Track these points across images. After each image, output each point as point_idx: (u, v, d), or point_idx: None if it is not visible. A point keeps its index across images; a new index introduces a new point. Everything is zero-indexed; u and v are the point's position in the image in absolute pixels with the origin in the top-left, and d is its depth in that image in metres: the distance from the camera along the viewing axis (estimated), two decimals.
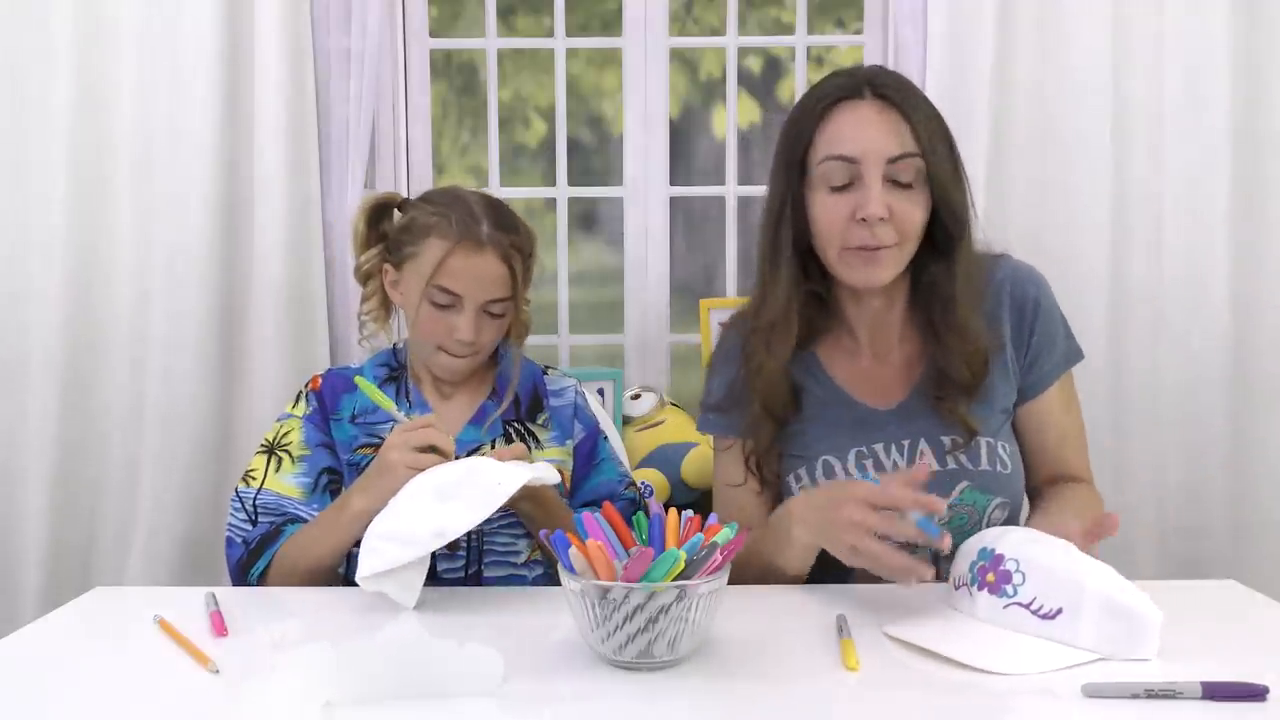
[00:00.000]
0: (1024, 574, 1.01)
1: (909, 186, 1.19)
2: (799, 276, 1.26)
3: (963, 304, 1.23)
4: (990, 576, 1.03)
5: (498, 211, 1.39)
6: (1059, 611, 0.98)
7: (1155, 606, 0.97)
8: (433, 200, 1.41)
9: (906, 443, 1.26)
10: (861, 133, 1.19)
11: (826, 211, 1.21)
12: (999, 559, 1.03)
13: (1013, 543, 1.04)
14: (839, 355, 1.33)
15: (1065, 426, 1.32)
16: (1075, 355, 1.33)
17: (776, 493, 1.33)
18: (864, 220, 1.18)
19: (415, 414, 1.39)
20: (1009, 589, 1.01)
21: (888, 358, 1.31)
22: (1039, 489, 1.32)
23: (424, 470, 1.19)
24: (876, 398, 1.30)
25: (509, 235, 1.37)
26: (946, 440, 1.25)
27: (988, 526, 1.26)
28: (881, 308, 1.30)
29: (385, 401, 1.29)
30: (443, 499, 1.15)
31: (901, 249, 1.21)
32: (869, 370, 1.32)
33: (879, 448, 1.27)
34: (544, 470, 1.21)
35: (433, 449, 1.22)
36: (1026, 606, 1.00)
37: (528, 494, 1.26)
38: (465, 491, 1.15)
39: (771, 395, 1.27)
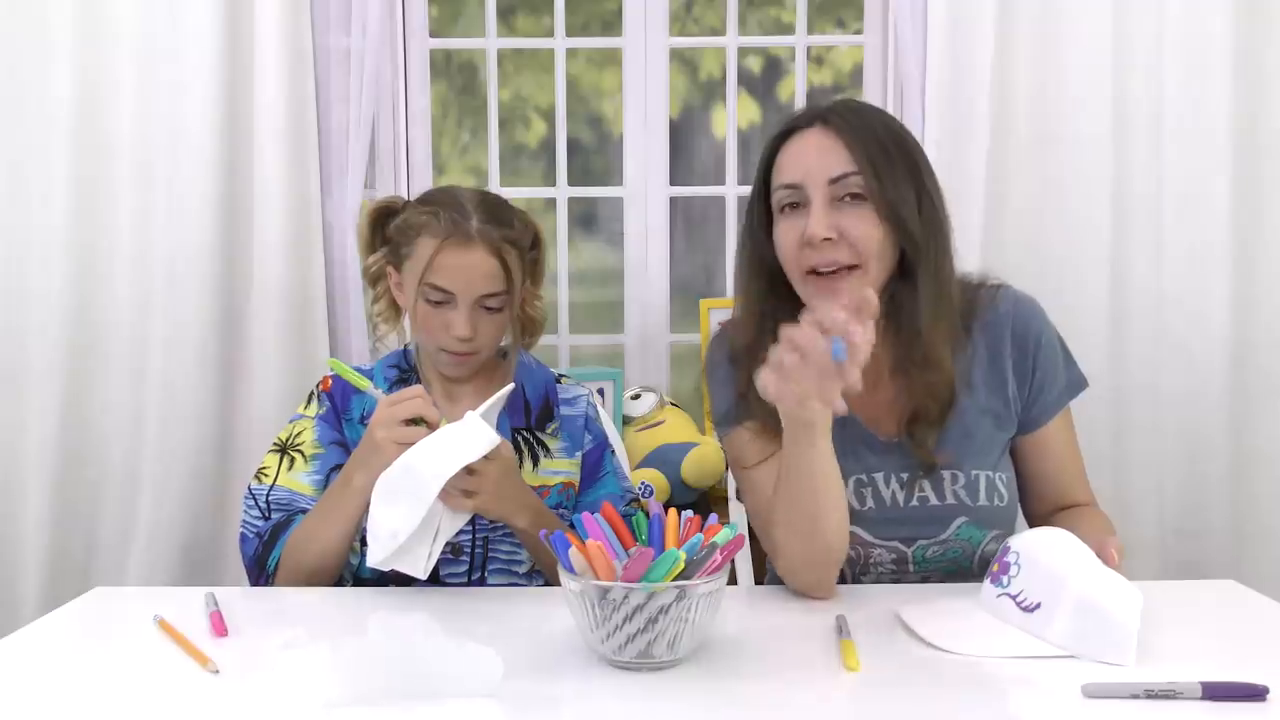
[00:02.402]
0: (1019, 566, 1.04)
1: (859, 205, 1.19)
2: (769, 304, 1.27)
3: (928, 334, 1.21)
4: (995, 566, 1.07)
5: (490, 207, 1.38)
6: (1038, 606, 1.01)
7: (1136, 614, 0.97)
8: (427, 200, 1.40)
9: (905, 475, 1.26)
10: (803, 159, 1.21)
11: (782, 238, 1.23)
12: (1006, 550, 1.06)
13: (1029, 536, 1.06)
14: None
15: (1066, 455, 1.31)
16: (1078, 385, 1.32)
17: None
18: (810, 242, 1.19)
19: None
20: (1004, 580, 1.04)
21: (878, 386, 1.28)
22: (1045, 519, 1.31)
23: (412, 445, 1.19)
24: (878, 425, 1.28)
25: (501, 229, 1.36)
26: (946, 475, 1.25)
27: (980, 559, 1.27)
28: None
29: (361, 381, 1.28)
30: (392, 501, 1.17)
31: (865, 271, 1.19)
32: (868, 396, 1.26)
33: (879, 477, 1.26)
34: (479, 440, 1.19)
35: (421, 421, 1.21)
36: (1014, 598, 1.03)
37: (525, 505, 1.28)
38: (406, 492, 1.17)
39: (769, 416, 1.23)
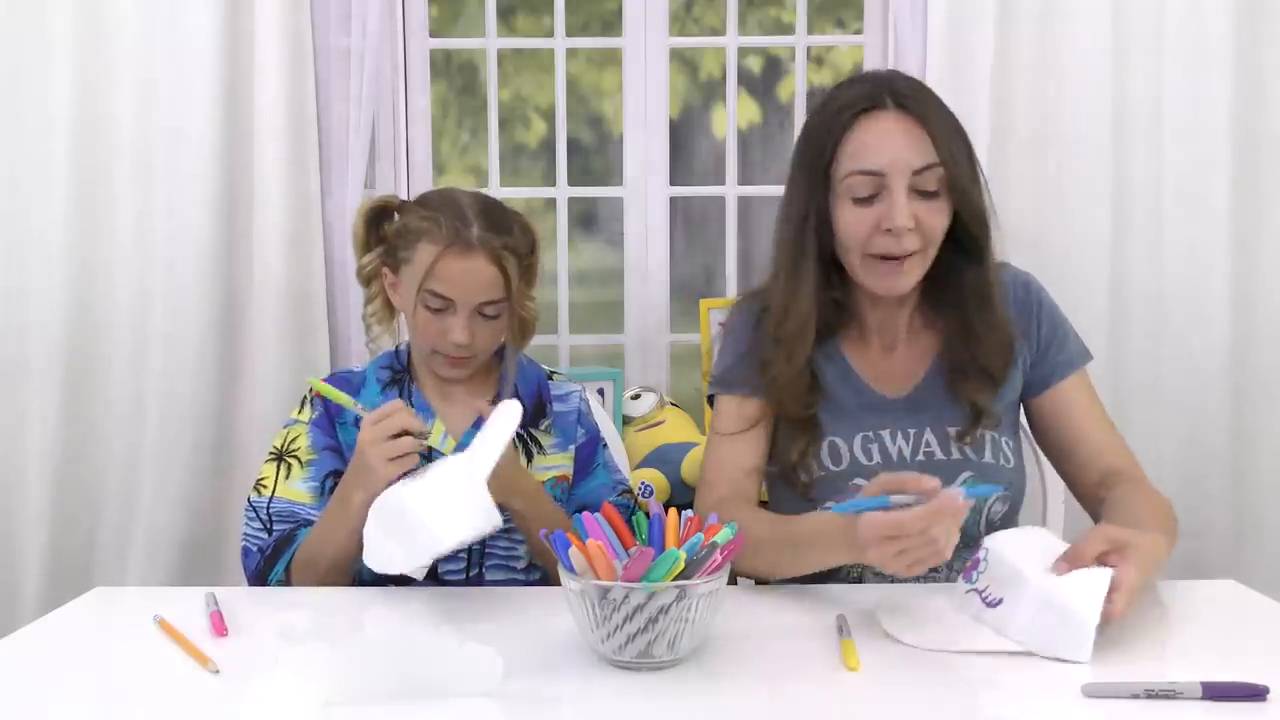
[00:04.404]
0: (988, 563, 1.05)
1: (933, 195, 1.20)
2: (823, 286, 1.27)
3: (996, 301, 1.27)
4: (969, 562, 1.08)
5: (490, 213, 1.38)
6: (1000, 601, 1.02)
7: (1096, 610, 0.96)
8: (426, 204, 1.40)
9: (913, 431, 1.28)
10: (886, 145, 1.19)
11: (852, 223, 1.22)
12: (978, 547, 1.07)
13: (1002, 534, 1.07)
14: (850, 341, 1.34)
15: (1095, 413, 1.32)
16: (1085, 354, 1.35)
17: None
18: (889, 231, 1.19)
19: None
20: (974, 575, 1.06)
21: (894, 348, 1.33)
22: (1095, 493, 1.29)
23: (404, 455, 1.20)
24: (887, 385, 1.32)
25: (501, 237, 1.35)
26: (952, 431, 1.28)
27: (987, 519, 1.27)
28: (895, 305, 1.31)
29: (342, 398, 1.30)
30: (388, 534, 1.17)
31: (925, 255, 1.23)
32: (877, 358, 1.33)
33: (885, 434, 1.28)
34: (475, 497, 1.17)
35: (406, 432, 1.22)
36: (980, 594, 1.04)
37: (520, 490, 1.29)
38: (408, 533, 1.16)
39: (789, 398, 1.28)
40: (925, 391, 1.31)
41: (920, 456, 1.27)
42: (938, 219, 1.21)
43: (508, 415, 1.23)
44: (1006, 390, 1.30)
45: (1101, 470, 1.29)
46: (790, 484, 1.31)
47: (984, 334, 1.27)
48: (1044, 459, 1.54)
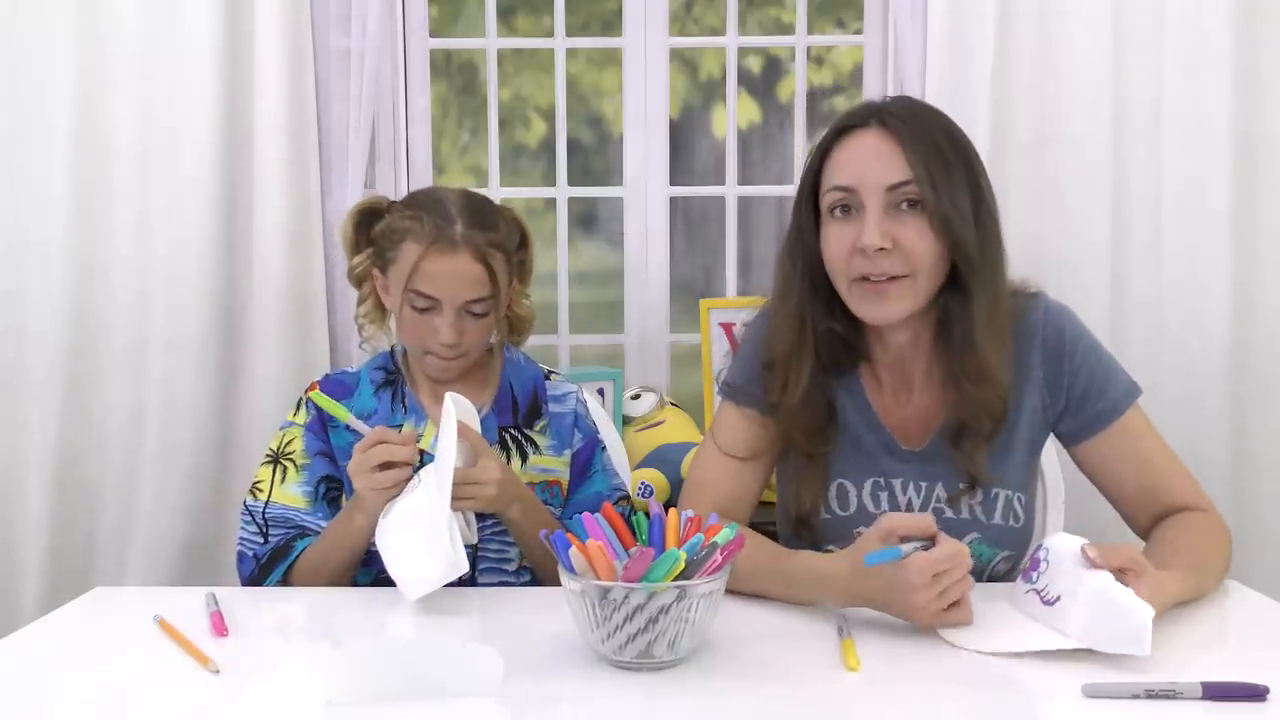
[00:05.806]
0: (1048, 563, 1.06)
1: (914, 214, 1.15)
2: (810, 309, 1.23)
3: (982, 347, 1.18)
4: (1027, 563, 1.09)
5: (475, 210, 1.37)
6: (1058, 599, 1.02)
7: (1148, 604, 0.97)
8: (411, 203, 1.40)
9: (924, 484, 1.25)
10: (860, 161, 1.17)
11: (831, 243, 1.19)
12: (1040, 547, 1.08)
13: (1061, 536, 1.07)
14: (870, 382, 1.29)
15: (1144, 454, 1.25)
16: (1131, 393, 1.26)
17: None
18: (863, 250, 1.15)
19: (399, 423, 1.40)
20: (1034, 575, 1.07)
21: (910, 397, 1.27)
22: (1149, 528, 1.25)
23: (391, 486, 1.23)
24: (904, 435, 1.27)
25: (485, 233, 1.35)
26: (964, 488, 1.23)
27: (989, 578, 1.26)
28: (906, 345, 1.25)
29: (339, 411, 1.31)
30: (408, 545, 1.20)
31: (915, 281, 1.16)
32: (894, 405, 1.28)
33: (896, 483, 1.25)
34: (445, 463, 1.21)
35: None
36: (1039, 593, 1.05)
37: (517, 497, 1.30)
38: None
39: (795, 427, 1.24)
40: (943, 444, 1.24)
41: (929, 512, 1.23)
42: (919, 239, 1.15)
43: (453, 410, 1.23)
44: (1023, 445, 1.25)
45: (1157, 512, 1.25)
46: (799, 537, 1.28)
47: (967, 386, 1.19)
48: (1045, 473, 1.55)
